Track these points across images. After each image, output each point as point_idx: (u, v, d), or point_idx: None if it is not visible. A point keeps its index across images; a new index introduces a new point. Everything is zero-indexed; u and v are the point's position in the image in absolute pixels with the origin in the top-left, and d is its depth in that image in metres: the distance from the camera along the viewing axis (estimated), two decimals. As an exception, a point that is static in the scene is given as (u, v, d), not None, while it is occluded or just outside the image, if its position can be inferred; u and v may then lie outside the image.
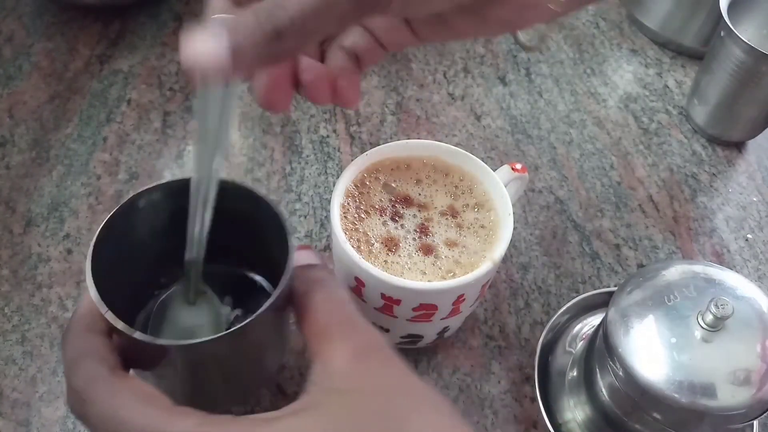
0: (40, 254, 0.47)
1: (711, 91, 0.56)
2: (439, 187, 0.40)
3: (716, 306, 0.32)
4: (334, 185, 0.52)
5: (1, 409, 0.41)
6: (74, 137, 0.55)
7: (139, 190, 0.33)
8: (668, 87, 0.62)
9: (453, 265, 0.37)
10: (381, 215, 0.38)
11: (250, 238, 0.35)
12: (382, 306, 0.37)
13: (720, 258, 0.51)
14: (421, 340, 0.41)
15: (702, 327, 0.33)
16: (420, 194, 0.40)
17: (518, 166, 0.41)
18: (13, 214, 0.50)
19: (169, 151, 0.54)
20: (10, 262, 0.47)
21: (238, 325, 0.29)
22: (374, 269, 0.35)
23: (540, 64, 0.63)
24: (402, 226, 0.38)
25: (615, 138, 0.58)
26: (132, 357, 0.29)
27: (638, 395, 0.34)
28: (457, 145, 0.56)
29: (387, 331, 0.40)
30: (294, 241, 0.31)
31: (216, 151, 0.28)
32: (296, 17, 0.23)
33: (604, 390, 0.38)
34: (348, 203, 0.38)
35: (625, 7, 0.69)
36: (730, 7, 0.53)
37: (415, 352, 0.44)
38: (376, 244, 0.37)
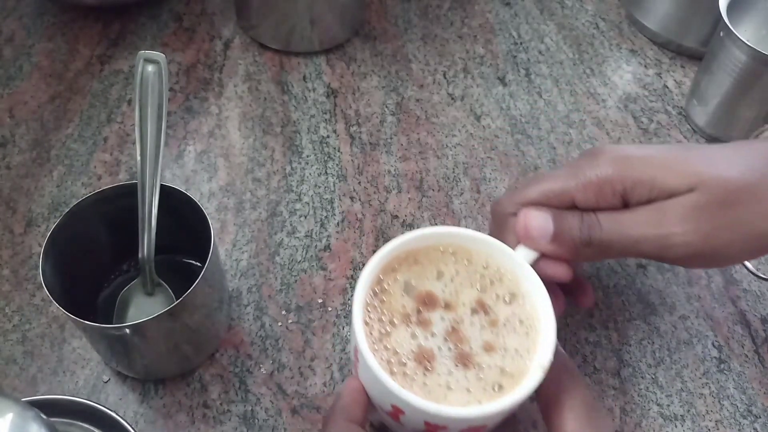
0: (41, 254, 0.47)
1: (710, 92, 0.56)
2: (462, 279, 0.35)
3: None
4: (334, 184, 0.53)
5: (1, 409, 0.41)
6: (75, 137, 0.55)
7: (86, 196, 0.40)
8: (668, 87, 0.62)
9: (498, 375, 0.32)
10: (407, 324, 0.33)
11: (185, 230, 0.41)
12: (424, 430, 0.32)
13: (719, 258, 0.51)
14: None
15: None
16: (444, 290, 0.35)
17: None
18: (13, 214, 0.50)
19: (169, 151, 0.54)
20: (10, 261, 0.47)
21: (173, 304, 0.35)
22: (415, 399, 0.30)
23: (539, 65, 0.64)
24: (432, 334, 0.33)
25: (614, 138, 0.58)
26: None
27: None
28: (456, 145, 0.56)
29: None
30: (214, 226, 0.39)
31: (157, 162, 0.38)
32: (612, 241, 0.33)
33: None
34: (370, 317, 0.33)
35: (625, 8, 0.69)
36: (730, 8, 0.53)
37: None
38: (409, 363, 0.32)
